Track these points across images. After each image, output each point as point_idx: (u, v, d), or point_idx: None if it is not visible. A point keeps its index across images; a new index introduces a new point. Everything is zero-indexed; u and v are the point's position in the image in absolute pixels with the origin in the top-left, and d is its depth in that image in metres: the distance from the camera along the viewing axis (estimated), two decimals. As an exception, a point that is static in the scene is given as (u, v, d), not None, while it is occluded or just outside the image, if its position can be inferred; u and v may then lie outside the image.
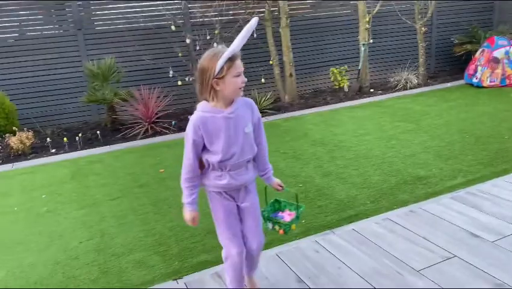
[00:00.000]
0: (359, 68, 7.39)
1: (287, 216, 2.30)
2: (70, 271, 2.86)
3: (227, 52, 1.85)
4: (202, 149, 1.99)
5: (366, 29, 7.19)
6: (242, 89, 1.97)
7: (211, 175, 2.04)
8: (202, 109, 1.96)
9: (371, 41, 7.37)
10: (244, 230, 2.15)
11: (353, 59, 7.82)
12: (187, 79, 6.61)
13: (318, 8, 7.64)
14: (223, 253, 2.19)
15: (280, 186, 2.22)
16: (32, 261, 3.03)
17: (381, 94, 7.20)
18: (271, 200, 2.37)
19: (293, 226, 2.24)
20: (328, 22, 7.72)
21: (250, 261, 2.24)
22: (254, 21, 1.88)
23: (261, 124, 2.12)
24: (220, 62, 1.86)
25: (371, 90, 7.40)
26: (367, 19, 7.15)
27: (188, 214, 2.06)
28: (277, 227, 2.26)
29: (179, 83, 6.58)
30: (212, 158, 1.98)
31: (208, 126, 1.94)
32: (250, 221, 2.14)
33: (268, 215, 2.30)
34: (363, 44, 7.25)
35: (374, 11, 7.21)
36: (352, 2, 7.71)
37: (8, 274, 2.88)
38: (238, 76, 1.92)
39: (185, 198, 2.05)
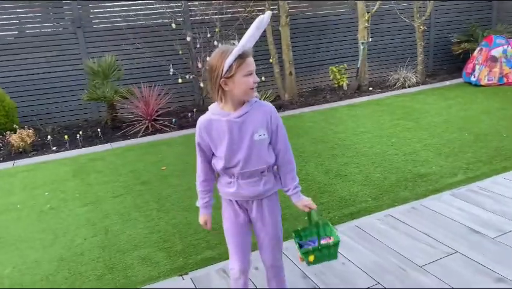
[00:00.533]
0: (358, 66, 7.43)
1: (326, 240, 1.99)
2: (76, 268, 2.88)
3: (237, 48, 1.73)
4: (212, 152, 1.92)
5: (365, 27, 7.23)
6: (254, 89, 1.82)
7: (222, 181, 1.97)
8: (211, 111, 1.88)
9: (370, 39, 7.41)
10: (258, 244, 2.06)
11: (352, 57, 7.85)
12: (187, 76, 6.62)
13: (318, 6, 7.67)
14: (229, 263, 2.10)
15: (309, 209, 1.96)
16: (37, 257, 3.05)
17: (380, 92, 7.25)
18: (323, 222, 2.05)
19: (310, 257, 1.92)
20: (327, 21, 7.75)
21: (267, 273, 2.13)
22: (267, 16, 1.76)
23: (281, 133, 1.90)
24: (229, 60, 1.73)
25: (370, 88, 7.44)
26: (366, 18, 7.18)
27: (200, 217, 2.05)
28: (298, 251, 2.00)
29: (180, 81, 6.60)
30: (217, 163, 1.91)
31: (212, 130, 1.86)
32: (262, 236, 2.02)
33: (296, 236, 2.03)
34: (362, 43, 7.29)
35: (374, 10, 7.24)
36: (351, 1, 7.74)
37: (14, 271, 2.90)
38: (250, 75, 1.77)
39: (198, 202, 2.04)
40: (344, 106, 6.55)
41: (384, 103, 6.56)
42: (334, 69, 7.51)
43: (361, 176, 3.99)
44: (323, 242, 1.95)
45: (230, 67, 1.75)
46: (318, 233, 1.96)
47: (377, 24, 7.90)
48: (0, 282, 2.79)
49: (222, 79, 1.77)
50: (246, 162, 1.86)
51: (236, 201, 1.97)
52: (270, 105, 1.92)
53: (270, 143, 1.90)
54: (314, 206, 1.96)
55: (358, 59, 7.46)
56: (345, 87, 7.45)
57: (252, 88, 1.81)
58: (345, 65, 7.62)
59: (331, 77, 7.61)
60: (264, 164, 1.89)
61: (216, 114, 1.86)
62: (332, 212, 3.35)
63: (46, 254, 3.08)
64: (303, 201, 1.96)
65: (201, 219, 2.05)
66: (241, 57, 1.75)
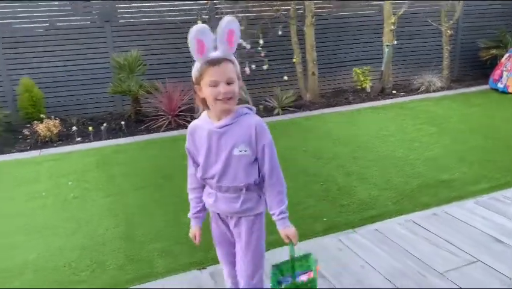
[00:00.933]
0: (382, 69, 7.36)
1: (304, 277, 1.92)
2: (98, 257, 2.95)
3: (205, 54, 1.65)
4: None
5: (391, 30, 7.15)
6: (225, 101, 1.67)
7: (205, 190, 1.90)
8: (201, 116, 1.82)
9: (395, 42, 7.32)
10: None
11: (377, 59, 7.76)
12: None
13: (344, 7, 7.62)
14: None
15: (288, 239, 1.80)
16: (60, 245, 3.13)
17: (404, 96, 7.17)
18: (307, 253, 1.95)
19: None
20: (353, 22, 7.70)
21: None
22: (225, 21, 1.64)
23: (268, 153, 1.74)
24: (196, 65, 1.68)
25: (394, 92, 7.36)
26: (393, 20, 7.10)
27: (190, 229, 1.97)
28: None
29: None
30: (198, 171, 1.84)
31: (196, 136, 1.81)
32: (237, 251, 1.91)
33: (274, 271, 1.92)
34: (387, 45, 7.21)
35: (400, 13, 7.16)
36: (377, 2, 7.66)
37: (39, 256, 2.98)
38: (214, 85, 1.65)
39: (190, 212, 1.97)
40: (366, 109, 6.50)
41: (407, 106, 6.48)
42: (358, 71, 7.46)
43: (382, 179, 3.96)
44: (303, 277, 1.85)
45: (199, 73, 1.68)
46: (293, 268, 1.85)
47: (403, 27, 7.79)
48: (25, 266, 2.87)
49: (195, 85, 1.72)
50: (221, 177, 1.77)
51: (218, 213, 1.91)
52: (258, 119, 1.75)
53: (256, 161, 1.77)
54: (295, 239, 1.80)
55: (382, 62, 7.38)
56: (368, 89, 7.38)
57: (220, 99, 1.67)
58: (369, 67, 7.55)
59: (354, 78, 7.56)
60: (241, 182, 1.76)
61: (202, 121, 1.80)
62: (352, 215, 3.34)
63: (69, 242, 3.15)
64: (287, 231, 1.79)
65: (190, 232, 1.97)
66: (209, 64, 1.66)
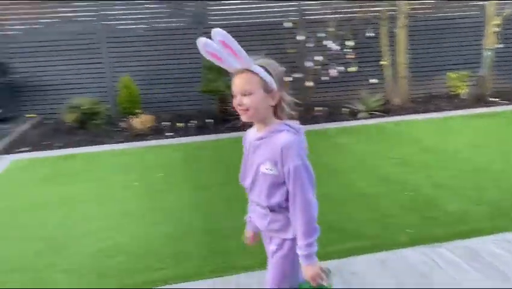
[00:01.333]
0: (481, 74, 6.82)
1: None
2: (182, 246, 3.09)
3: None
4: None
5: (494, 32, 6.60)
6: (242, 113, 1.64)
7: None
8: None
9: (500, 45, 6.73)
10: None
11: (473, 64, 7.23)
12: (295, 75, 6.68)
13: (442, 8, 7.19)
14: None
15: (313, 281, 1.64)
16: (148, 231, 3.34)
17: (505, 104, 6.58)
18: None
19: None
20: (450, 23, 7.26)
21: None
22: (212, 36, 1.64)
23: (292, 178, 1.59)
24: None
25: (493, 99, 6.79)
26: (497, 22, 6.55)
27: (244, 232, 1.98)
28: None
29: (290, 79, 6.69)
30: None
31: (246, 143, 1.82)
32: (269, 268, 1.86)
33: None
34: (488, 49, 6.67)
35: (506, 13, 6.58)
36: (480, 2, 7.12)
37: (129, 241, 3.21)
38: (235, 96, 1.65)
39: (247, 214, 1.94)
40: (461, 116, 6.08)
41: (507, 116, 5.95)
42: (453, 76, 7.00)
43: (475, 193, 3.67)
44: None
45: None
46: None
47: (508, 29, 7.16)
48: (118, 249, 3.10)
49: None
50: (250, 190, 1.76)
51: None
52: (288, 140, 1.60)
53: (284, 183, 1.65)
54: (314, 282, 1.63)
55: (479, 67, 6.85)
56: (464, 96, 6.90)
57: (240, 110, 1.64)
58: (466, 72, 7.05)
59: (448, 84, 7.10)
60: (264, 202, 1.70)
61: (252, 129, 1.79)
62: (439, 228, 3.13)
63: (157, 230, 3.35)
64: (307, 270, 1.63)
65: (244, 235, 2.00)
66: (233, 75, 1.67)
